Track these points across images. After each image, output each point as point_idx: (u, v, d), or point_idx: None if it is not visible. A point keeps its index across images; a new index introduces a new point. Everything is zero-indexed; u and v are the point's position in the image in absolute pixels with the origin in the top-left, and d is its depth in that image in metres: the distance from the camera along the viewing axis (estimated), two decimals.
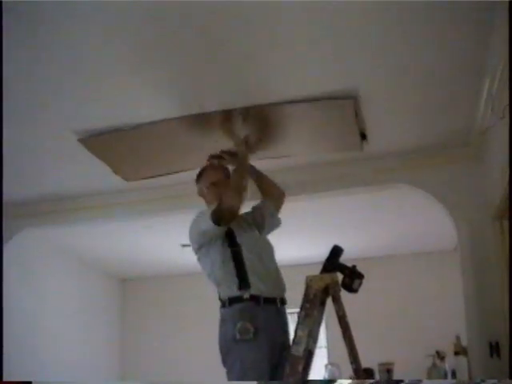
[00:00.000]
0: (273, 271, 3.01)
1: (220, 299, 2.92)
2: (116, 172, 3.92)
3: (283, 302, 2.95)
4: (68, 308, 6.62)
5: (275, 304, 2.90)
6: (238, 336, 2.74)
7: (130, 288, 8.07)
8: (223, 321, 2.86)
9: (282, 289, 2.99)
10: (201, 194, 3.21)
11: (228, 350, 2.79)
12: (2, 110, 2.98)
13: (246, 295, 2.83)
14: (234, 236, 2.95)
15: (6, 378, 4.35)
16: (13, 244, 4.87)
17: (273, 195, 3.31)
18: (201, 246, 2.97)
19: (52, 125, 3.39)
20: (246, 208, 3.13)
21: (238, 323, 2.75)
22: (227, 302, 2.85)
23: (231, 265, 2.89)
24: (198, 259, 3.03)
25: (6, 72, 2.71)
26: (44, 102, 3.14)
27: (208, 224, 2.88)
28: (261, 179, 3.35)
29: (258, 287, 2.86)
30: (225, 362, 2.84)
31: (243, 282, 2.85)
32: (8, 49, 2.55)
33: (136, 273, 7.80)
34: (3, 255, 4.61)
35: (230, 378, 2.81)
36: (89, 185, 4.40)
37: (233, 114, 3.22)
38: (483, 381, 2.56)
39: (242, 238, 2.97)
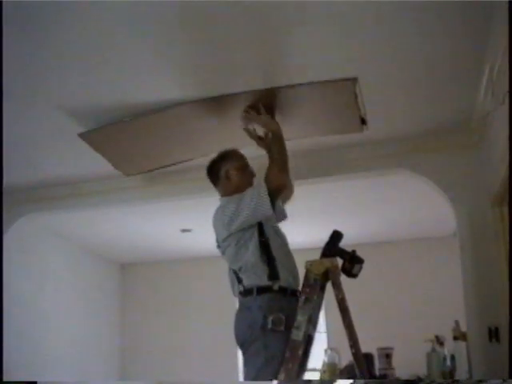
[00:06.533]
0: (294, 263, 2.99)
1: (243, 286, 2.87)
2: (116, 167, 3.92)
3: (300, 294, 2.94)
4: (68, 293, 6.65)
5: (296, 296, 2.87)
6: (270, 325, 2.72)
7: (130, 273, 8.11)
8: (248, 308, 2.82)
9: (299, 281, 2.96)
10: (227, 175, 3.08)
11: (254, 338, 2.76)
12: (2, 97, 2.97)
13: (276, 286, 2.81)
14: (262, 226, 2.91)
15: (5, 369, 4.32)
16: (13, 231, 4.88)
17: (290, 186, 3.26)
18: (231, 233, 2.91)
19: (51, 110, 3.38)
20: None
21: (270, 313, 2.73)
22: (255, 291, 2.81)
23: (262, 254, 2.85)
24: (228, 245, 2.94)
25: (4, 58, 2.70)
26: (44, 88, 3.13)
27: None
28: None
29: (286, 279, 2.85)
30: (246, 348, 2.81)
31: (273, 272, 2.82)
32: (8, 35, 2.54)
33: (136, 258, 7.83)
34: (3, 242, 4.63)
35: (249, 365, 2.81)
36: (89, 170, 4.40)
37: (235, 99, 3.20)
38: (484, 381, 2.57)
39: (269, 229, 2.94)
